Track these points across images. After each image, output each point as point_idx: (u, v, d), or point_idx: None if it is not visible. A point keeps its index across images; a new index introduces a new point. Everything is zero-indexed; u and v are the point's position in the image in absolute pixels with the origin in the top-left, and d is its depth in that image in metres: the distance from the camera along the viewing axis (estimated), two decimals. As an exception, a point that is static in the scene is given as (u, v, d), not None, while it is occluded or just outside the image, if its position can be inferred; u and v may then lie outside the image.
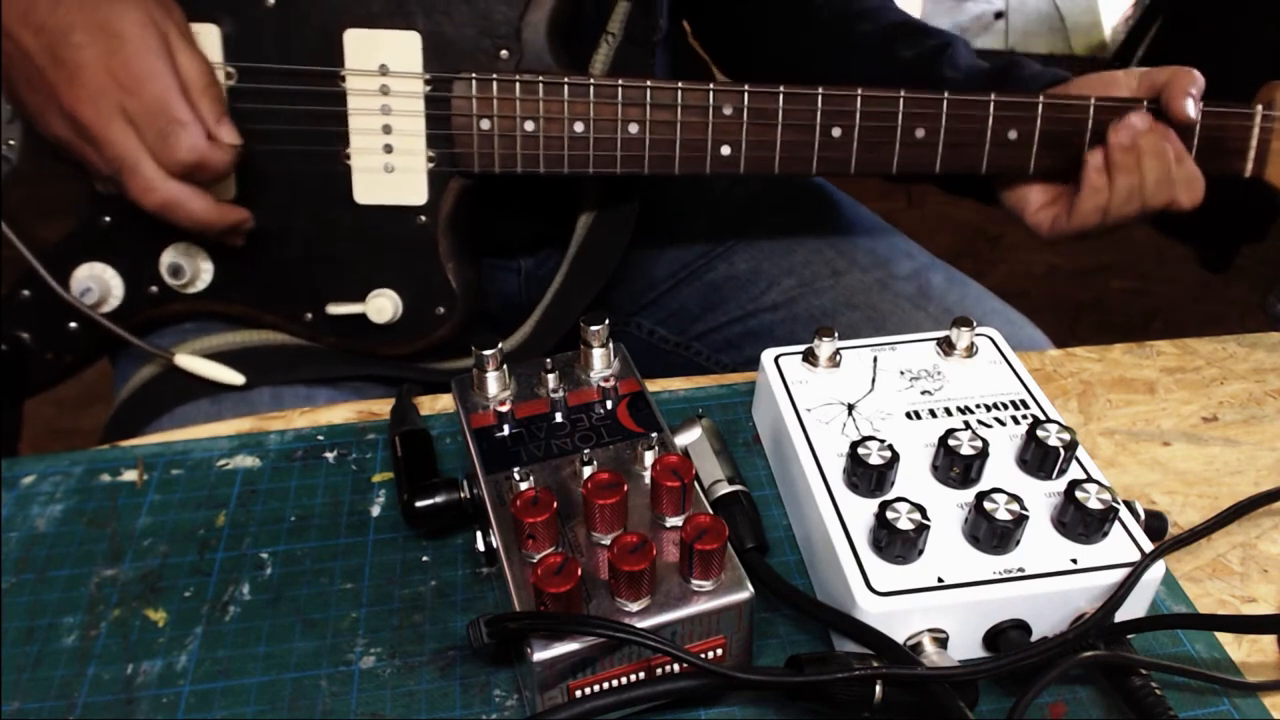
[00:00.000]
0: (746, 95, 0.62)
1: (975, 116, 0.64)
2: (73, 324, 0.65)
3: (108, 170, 0.56)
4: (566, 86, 0.61)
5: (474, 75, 0.61)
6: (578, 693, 0.40)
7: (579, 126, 0.62)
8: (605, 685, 0.40)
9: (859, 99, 0.63)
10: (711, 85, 0.62)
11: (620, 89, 0.61)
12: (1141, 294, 2.09)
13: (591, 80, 0.61)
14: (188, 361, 0.63)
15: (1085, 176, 0.65)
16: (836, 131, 0.63)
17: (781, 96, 0.62)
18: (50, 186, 0.62)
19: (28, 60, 0.54)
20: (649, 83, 0.62)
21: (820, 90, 0.63)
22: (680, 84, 0.62)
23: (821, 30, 0.77)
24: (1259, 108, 0.66)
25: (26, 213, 0.62)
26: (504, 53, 0.61)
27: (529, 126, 0.62)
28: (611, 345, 0.52)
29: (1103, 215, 0.65)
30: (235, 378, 0.63)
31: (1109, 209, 0.65)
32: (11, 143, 0.61)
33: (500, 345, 0.50)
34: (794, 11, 0.79)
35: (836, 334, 0.53)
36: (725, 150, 0.63)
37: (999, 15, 3.05)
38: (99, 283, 0.63)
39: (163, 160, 0.55)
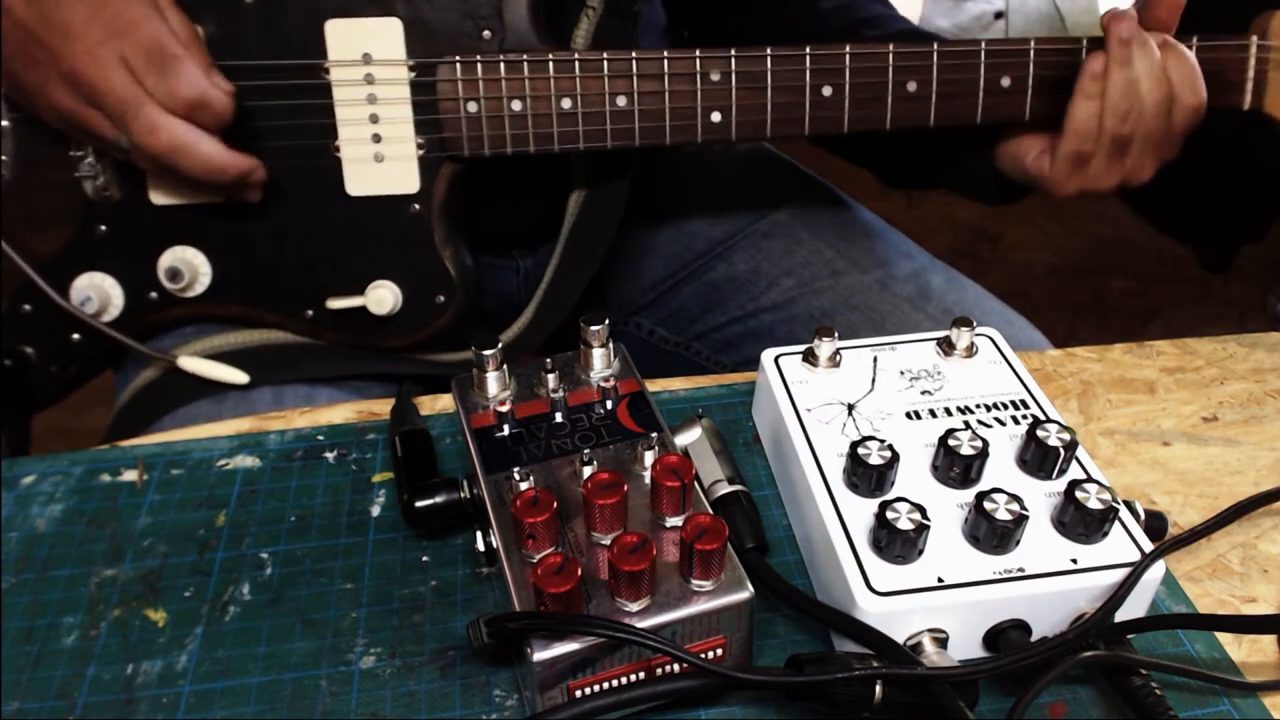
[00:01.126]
0: (734, 59, 0.62)
1: (966, 66, 0.63)
2: (75, 335, 0.65)
3: (113, 128, 0.56)
4: (551, 63, 0.61)
5: (458, 58, 0.60)
6: (578, 693, 0.40)
7: (566, 103, 0.62)
8: (605, 685, 0.40)
9: (848, 56, 0.62)
10: (698, 52, 0.61)
11: (606, 62, 0.61)
12: (1141, 294, 2.09)
13: (576, 56, 0.61)
14: (191, 363, 0.63)
15: (1079, 84, 0.63)
16: (827, 90, 0.63)
17: (769, 58, 0.62)
18: (45, 198, 0.62)
19: (23, 32, 0.54)
20: (634, 54, 0.61)
21: (808, 49, 0.62)
22: (666, 52, 0.61)
23: (828, 39, 0.77)
24: (1254, 38, 0.66)
25: (23, 226, 0.62)
26: (486, 33, 0.61)
27: (516, 106, 0.61)
28: (611, 345, 0.52)
29: (1099, 122, 0.63)
30: (239, 376, 0.63)
31: (1103, 112, 0.63)
32: (5, 158, 0.61)
33: (500, 344, 0.50)
34: (798, 20, 0.78)
35: (836, 334, 0.53)
36: (715, 117, 0.63)
37: (999, 15, 3.05)
38: (98, 292, 0.63)
39: (165, 99, 0.55)
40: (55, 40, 0.54)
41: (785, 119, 0.63)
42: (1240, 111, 0.67)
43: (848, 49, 0.62)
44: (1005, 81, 0.64)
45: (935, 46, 0.63)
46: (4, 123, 0.61)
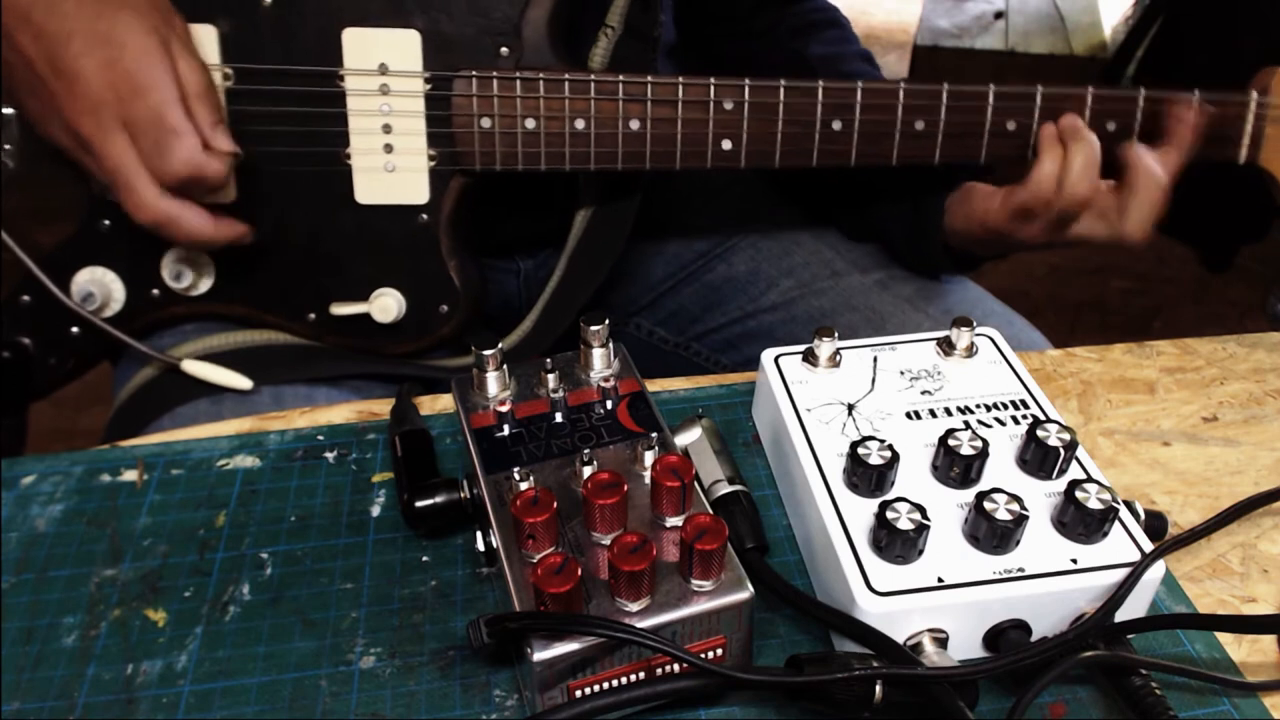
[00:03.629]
0: (747, 89, 0.62)
1: (974, 108, 0.64)
2: (74, 329, 0.65)
3: (106, 181, 0.56)
4: (567, 83, 0.61)
5: (474, 73, 0.61)
6: (578, 693, 0.40)
7: (580, 123, 0.62)
8: (605, 685, 0.40)
9: (859, 92, 0.63)
10: (712, 80, 0.62)
11: (621, 85, 0.61)
12: (1141, 294, 2.09)
13: (592, 76, 0.61)
14: (194, 367, 0.62)
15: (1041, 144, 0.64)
16: (837, 125, 0.64)
17: (782, 90, 0.62)
18: (49, 191, 0.62)
19: (28, 67, 0.54)
20: (650, 78, 0.61)
21: (820, 84, 0.63)
22: (681, 79, 0.62)
23: None
24: (1253, 93, 0.67)
25: (26, 218, 0.62)
26: (504, 50, 0.61)
27: (530, 124, 0.62)
28: (611, 345, 0.52)
29: (1058, 184, 0.63)
30: (243, 382, 0.62)
31: (1064, 175, 0.63)
32: (8, 148, 0.61)
33: (500, 345, 0.50)
34: (789, 63, 0.79)
35: (836, 334, 0.53)
36: (726, 145, 0.63)
37: (999, 15, 3.05)
38: (100, 287, 0.63)
39: (157, 172, 0.55)
40: (60, 87, 0.53)
41: (794, 150, 0.64)
42: (1236, 164, 0.68)
43: (859, 85, 0.63)
44: (1010, 125, 0.65)
45: (945, 86, 0.63)
46: (8, 111, 0.60)
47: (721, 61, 0.84)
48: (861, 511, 0.45)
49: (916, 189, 0.73)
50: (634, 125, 0.62)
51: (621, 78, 0.61)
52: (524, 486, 0.43)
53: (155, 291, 0.64)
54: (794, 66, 0.79)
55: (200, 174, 0.55)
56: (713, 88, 0.62)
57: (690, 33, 0.84)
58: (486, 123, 0.62)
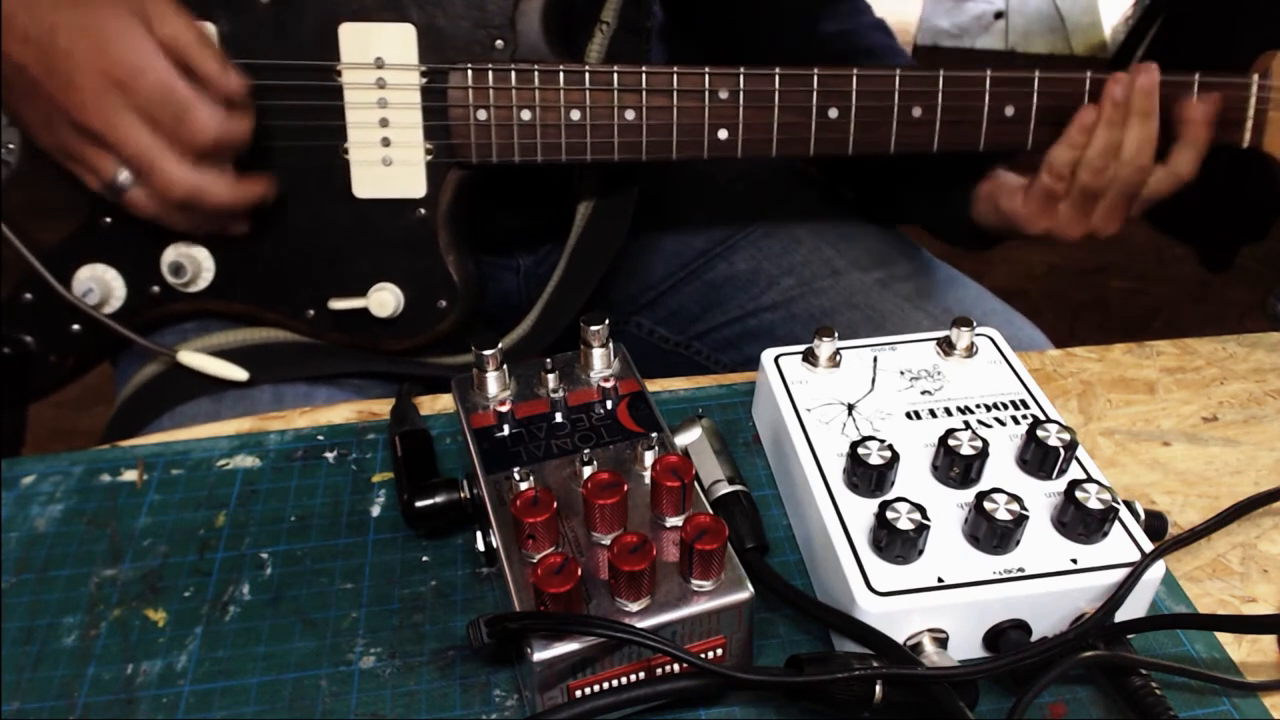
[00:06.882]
0: (742, 78, 0.62)
1: (972, 94, 0.64)
2: (75, 326, 0.65)
3: (111, 171, 0.56)
4: (562, 75, 0.61)
5: (470, 66, 0.61)
6: (578, 693, 0.40)
7: (575, 114, 0.62)
8: (605, 685, 0.40)
9: (855, 79, 0.63)
10: (707, 69, 0.62)
11: (616, 75, 0.61)
12: (1141, 294, 2.09)
13: (587, 68, 0.61)
14: (191, 358, 0.63)
15: (1067, 131, 0.64)
16: (833, 112, 0.63)
17: (778, 78, 0.62)
18: (50, 189, 0.62)
19: (22, 74, 0.54)
20: (644, 69, 0.61)
21: (816, 71, 0.62)
22: (676, 69, 0.62)
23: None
24: (1255, 77, 0.66)
25: (27, 215, 0.62)
26: (499, 43, 0.61)
27: (526, 116, 0.62)
28: (611, 345, 0.52)
29: (1072, 169, 0.64)
30: (238, 373, 0.63)
31: (1080, 163, 0.63)
32: (11, 146, 0.61)
33: (500, 345, 0.50)
34: (797, 43, 0.79)
35: (836, 334, 0.53)
36: (723, 134, 0.63)
37: (999, 15, 3.06)
38: (100, 284, 0.63)
39: (186, 144, 0.55)
40: (56, 87, 0.53)
41: (791, 139, 0.64)
42: (1239, 149, 0.68)
43: (855, 72, 0.63)
44: (1009, 111, 0.64)
45: (941, 73, 0.63)
46: None
47: (724, 45, 0.84)
48: (861, 511, 0.45)
49: (946, 179, 0.72)
50: (629, 116, 0.62)
51: (616, 68, 0.61)
52: (524, 486, 0.43)
53: (155, 289, 0.64)
54: (802, 46, 0.78)
55: (228, 133, 0.56)
56: (708, 77, 0.62)
57: (686, 16, 0.84)
58: (482, 115, 0.62)
